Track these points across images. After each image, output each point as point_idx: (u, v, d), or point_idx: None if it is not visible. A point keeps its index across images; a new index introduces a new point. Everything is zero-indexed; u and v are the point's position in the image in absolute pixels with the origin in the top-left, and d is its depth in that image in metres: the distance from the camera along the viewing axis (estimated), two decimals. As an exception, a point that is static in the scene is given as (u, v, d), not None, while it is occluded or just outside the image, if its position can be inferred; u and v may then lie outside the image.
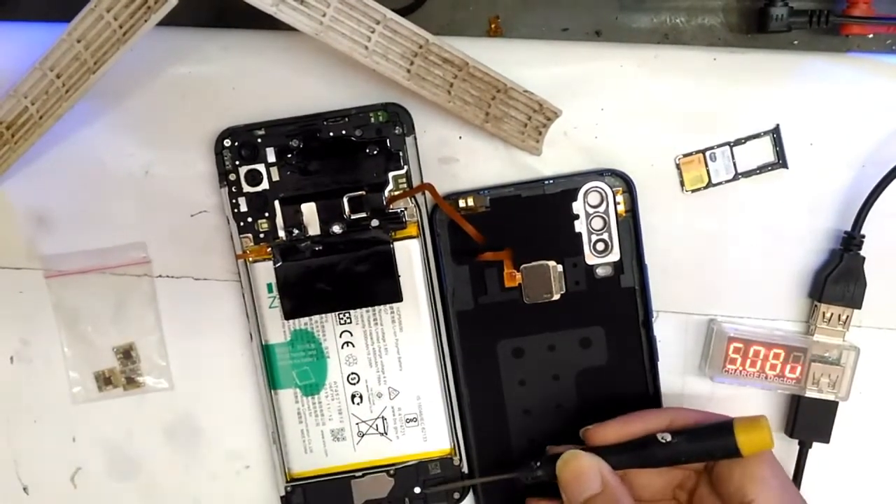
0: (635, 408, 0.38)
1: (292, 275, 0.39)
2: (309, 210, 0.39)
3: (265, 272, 0.39)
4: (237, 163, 0.39)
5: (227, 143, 0.39)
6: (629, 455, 0.36)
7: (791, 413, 0.41)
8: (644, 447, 0.35)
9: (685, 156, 0.40)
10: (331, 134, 0.39)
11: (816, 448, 0.41)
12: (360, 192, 0.39)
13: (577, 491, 0.35)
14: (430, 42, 0.36)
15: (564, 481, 0.35)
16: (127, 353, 0.41)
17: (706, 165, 0.40)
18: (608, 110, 0.40)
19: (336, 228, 0.39)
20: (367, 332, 0.40)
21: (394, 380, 0.40)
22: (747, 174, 0.40)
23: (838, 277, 0.40)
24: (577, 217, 0.40)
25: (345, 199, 0.39)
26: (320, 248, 0.39)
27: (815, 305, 0.41)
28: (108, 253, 0.40)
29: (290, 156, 0.39)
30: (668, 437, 0.35)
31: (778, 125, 0.40)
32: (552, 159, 0.40)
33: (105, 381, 0.41)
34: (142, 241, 0.40)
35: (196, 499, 0.42)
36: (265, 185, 0.39)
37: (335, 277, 0.39)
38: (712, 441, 0.35)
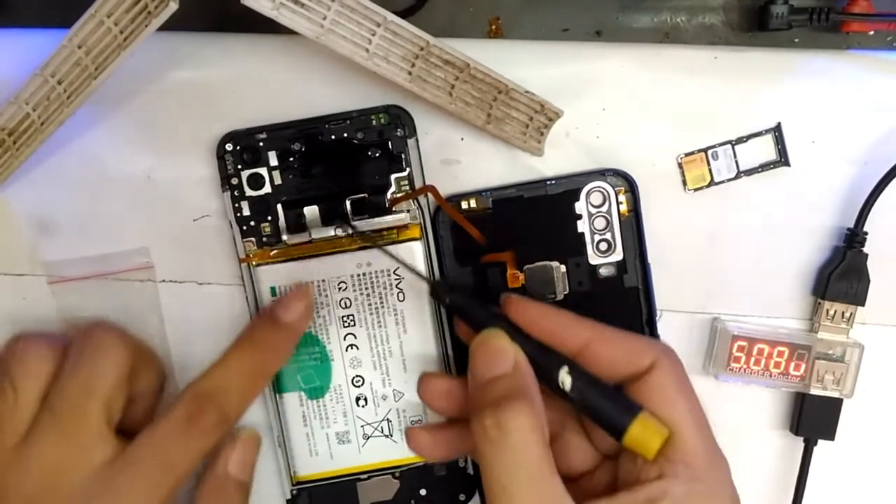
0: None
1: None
2: (311, 213, 0.39)
3: (268, 275, 0.39)
4: (239, 167, 0.39)
5: (228, 147, 0.39)
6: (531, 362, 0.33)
7: (796, 411, 0.41)
8: (543, 367, 0.33)
9: (687, 155, 0.40)
10: (332, 137, 0.39)
11: (821, 445, 0.41)
12: (362, 195, 0.39)
13: (485, 367, 0.33)
14: (431, 44, 0.36)
15: (475, 354, 0.33)
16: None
17: (708, 164, 0.40)
18: (610, 110, 0.40)
19: (338, 231, 0.39)
20: (371, 335, 0.40)
21: (398, 382, 0.40)
22: (749, 172, 0.40)
23: (841, 275, 0.40)
24: (579, 217, 0.40)
25: (347, 202, 0.39)
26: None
27: (819, 303, 0.41)
28: (111, 258, 0.40)
29: (291, 159, 0.39)
30: (567, 385, 0.32)
31: (779, 123, 0.40)
32: (554, 160, 0.40)
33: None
34: (144, 247, 0.40)
35: None
36: (267, 188, 0.39)
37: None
38: (606, 413, 0.33)
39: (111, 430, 0.34)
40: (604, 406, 0.33)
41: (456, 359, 0.40)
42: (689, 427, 0.32)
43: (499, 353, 0.33)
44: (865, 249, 0.40)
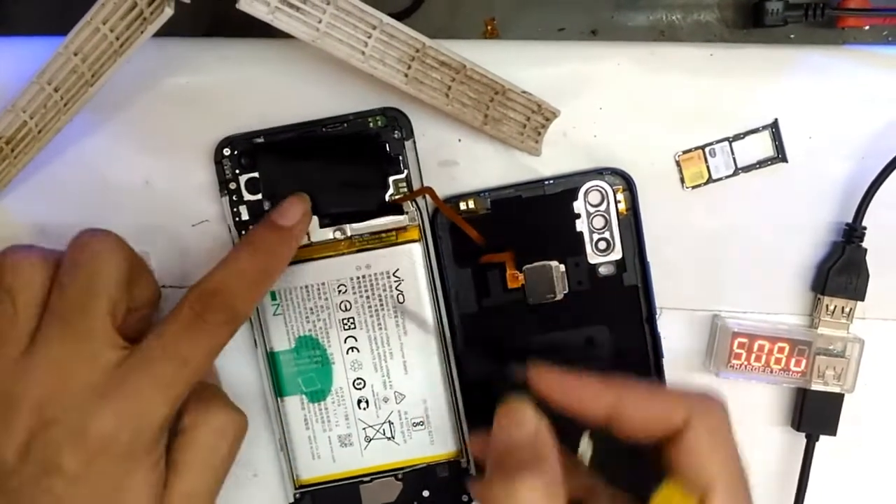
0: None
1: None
2: (310, 216, 0.39)
3: (268, 280, 0.39)
4: (237, 171, 0.39)
5: (226, 151, 0.39)
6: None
7: (797, 406, 0.41)
8: (567, 436, 0.33)
9: (684, 152, 0.40)
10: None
11: (823, 441, 0.41)
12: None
13: (504, 433, 0.33)
14: (427, 45, 0.36)
15: (498, 419, 0.33)
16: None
17: (706, 161, 0.40)
18: (606, 109, 0.40)
19: (337, 234, 0.39)
20: (371, 337, 0.40)
21: (399, 384, 0.40)
22: (747, 169, 0.40)
23: (841, 270, 0.40)
24: (578, 216, 0.40)
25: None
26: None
27: (819, 298, 0.41)
28: None
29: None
30: (587, 456, 0.32)
31: (776, 119, 0.40)
32: (552, 159, 0.40)
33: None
34: (145, 251, 0.40)
35: (205, 508, 0.42)
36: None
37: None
38: (629, 483, 0.32)
39: (117, 331, 0.33)
40: (626, 476, 0.32)
41: (457, 360, 0.40)
42: (721, 490, 0.31)
43: (519, 422, 0.33)
44: (864, 244, 0.40)
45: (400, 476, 0.41)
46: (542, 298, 0.40)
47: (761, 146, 0.40)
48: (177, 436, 0.34)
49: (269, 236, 0.36)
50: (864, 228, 0.40)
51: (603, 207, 0.40)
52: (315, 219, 0.39)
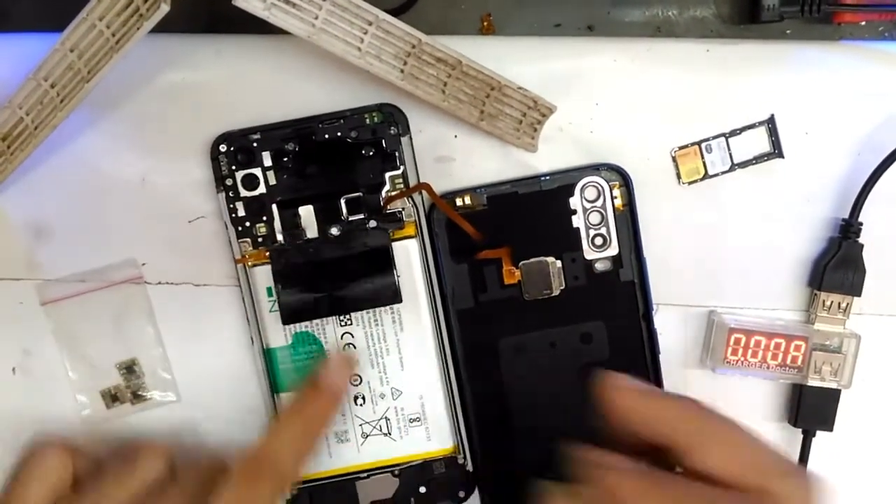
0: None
1: (290, 278, 0.39)
2: (307, 213, 0.39)
3: (264, 276, 0.39)
4: (233, 168, 0.39)
5: (222, 148, 0.39)
6: None
7: (794, 402, 0.41)
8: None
9: (681, 148, 0.40)
10: (326, 136, 0.39)
11: (820, 436, 0.41)
12: (357, 194, 0.39)
13: None
14: (423, 42, 0.36)
15: None
16: (130, 368, 0.40)
17: (702, 157, 0.40)
18: (603, 105, 0.40)
19: (334, 230, 0.39)
20: (368, 333, 0.40)
21: (396, 380, 0.40)
22: (743, 165, 0.40)
23: (837, 265, 0.40)
24: (574, 212, 0.40)
25: (342, 201, 0.39)
26: (318, 250, 0.39)
27: (815, 294, 0.41)
28: (101, 272, 0.40)
29: (286, 159, 0.39)
30: None
31: (773, 115, 0.40)
32: (548, 155, 0.40)
33: (112, 398, 0.41)
34: (132, 258, 0.40)
35: (202, 505, 0.42)
36: (262, 189, 0.39)
37: (334, 281, 0.39)
38: None
39: None
40: None
41: (453, 356, 0.40)
42: None
43: None
44: (861, 240, 0.40)
45: (397, 472, 0.41)
46: (538, 294, 0.40)
47: (757, 142, 0.40)
48: None
49: (317, 402, 0.37)
50: (861, 224, 0.40)
51: (599, 203, 0.40)
52: (312, 217, 0.39)
